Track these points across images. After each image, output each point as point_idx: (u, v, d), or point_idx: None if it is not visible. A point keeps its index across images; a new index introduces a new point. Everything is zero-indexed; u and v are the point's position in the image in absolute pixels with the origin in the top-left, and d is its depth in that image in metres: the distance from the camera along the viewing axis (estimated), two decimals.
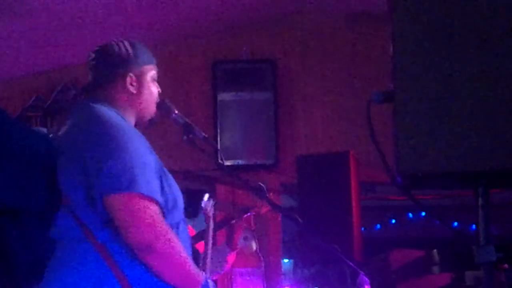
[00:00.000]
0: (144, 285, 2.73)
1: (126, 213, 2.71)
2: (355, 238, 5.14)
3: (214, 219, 4.48)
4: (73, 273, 2.74)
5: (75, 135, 2.85)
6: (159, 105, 3.13)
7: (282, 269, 6.29)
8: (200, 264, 4.27)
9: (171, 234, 2.76)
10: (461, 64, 1.81)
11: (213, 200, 4.47)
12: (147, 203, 2.73)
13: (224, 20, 5.95)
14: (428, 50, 1.83)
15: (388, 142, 1.85)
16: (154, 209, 2.74)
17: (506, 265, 3.73)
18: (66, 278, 2.74)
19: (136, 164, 2.74)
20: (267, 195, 3.42)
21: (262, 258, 5.48)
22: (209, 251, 4.36)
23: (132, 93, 2.98)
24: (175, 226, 2.82)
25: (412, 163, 1.81)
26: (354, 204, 5.21)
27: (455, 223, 8.01)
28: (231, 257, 4.93)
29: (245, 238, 5.23)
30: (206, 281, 2.83)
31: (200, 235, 4.52)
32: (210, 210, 4.44)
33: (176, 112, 3.32)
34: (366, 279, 4.31)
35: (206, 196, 4.51)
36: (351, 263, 3.89)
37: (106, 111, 2.89)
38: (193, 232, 4.53)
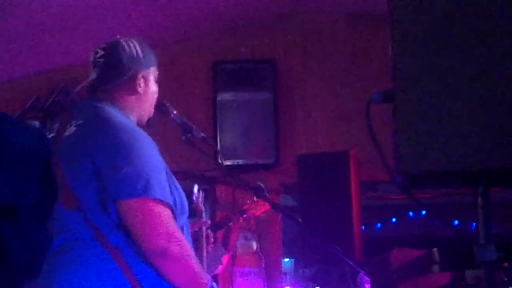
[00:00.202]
0: None
1: (141, 218, 2.71)
2: (355, 237, 5.15)
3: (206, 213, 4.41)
4: (85, 274, 2.73)
5: (84, 138, 2.81)
6: (158, 106, 3.13)
7: (283, 268, 6.28)
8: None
9: (183, 238, 2.76)
10: (461, 64, 1.82)
11: (203, 192, 4.36)
12: (161, 207, 2.73)
13: (224, 20, 5.95)
14: (428, 50, 1.83)
15: (388, 142, 1.85)
16: (167, 213, 2.75)
17: (506, 264, 3.73)
18: (78, 280, 2.73)
19: (150, 169, 2.74)
20: (266, 195, 3.43)
21: (262, 257, 5.49)
22: (204, 250, 4.31)
23: (140, 94, 2.97)
24: (180, 230, 2.82)
25: (412, 162, 1.81)
26: (354, 203, 5.22)
27: (455, 222, 8.01)
28: (225, 259, 4.91)
29: (246, 238, 5.23)
30: (212, 284, 2.84)
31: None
32: (201, 203, 4.35)
33: (175, 112, 3.32)
34: (366, 278, 4.31)
35: (196, 187, 4.30)
36: (351, 263, 3.89)
37: (113, 112, 2.86)
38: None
